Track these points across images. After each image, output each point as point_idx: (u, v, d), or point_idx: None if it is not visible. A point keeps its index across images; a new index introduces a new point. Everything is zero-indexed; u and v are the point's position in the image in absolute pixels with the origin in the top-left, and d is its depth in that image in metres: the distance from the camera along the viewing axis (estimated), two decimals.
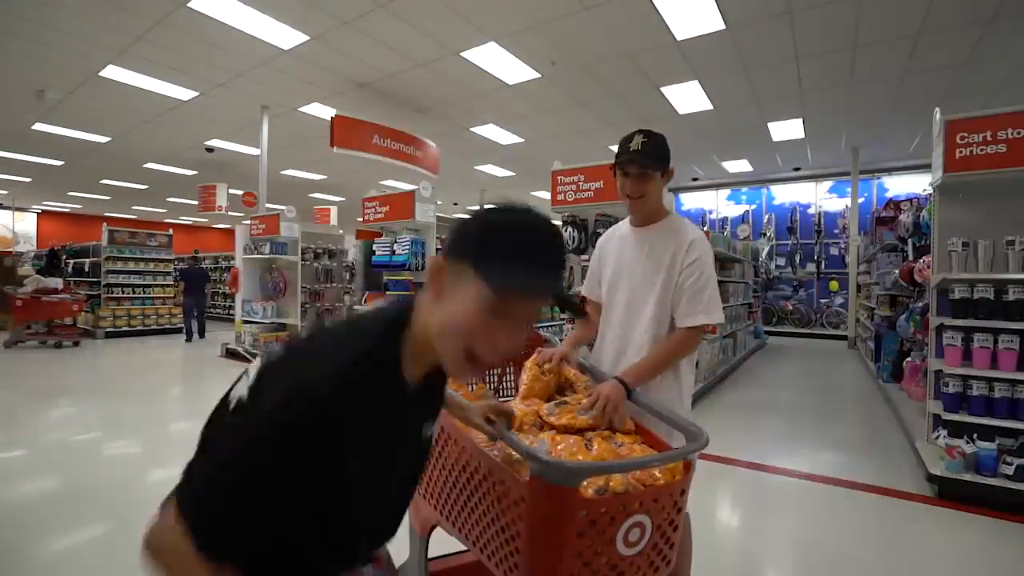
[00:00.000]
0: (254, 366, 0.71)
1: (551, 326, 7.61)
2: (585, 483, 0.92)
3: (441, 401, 0.88)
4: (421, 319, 0.72)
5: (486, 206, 0.74)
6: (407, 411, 0.75)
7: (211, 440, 0.70)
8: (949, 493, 2.95)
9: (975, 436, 3.02)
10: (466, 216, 0.76)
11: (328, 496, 0.66)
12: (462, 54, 5.86)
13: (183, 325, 10.29)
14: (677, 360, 1.57)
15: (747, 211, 12.58)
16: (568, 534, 0.85)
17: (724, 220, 12.86)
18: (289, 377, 0.65)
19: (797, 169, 11.40)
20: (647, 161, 1.54)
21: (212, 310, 14.65)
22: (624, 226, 1.78)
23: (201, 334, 10.19)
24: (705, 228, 6.70)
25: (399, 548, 1.55)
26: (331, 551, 0.72)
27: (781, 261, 11.99)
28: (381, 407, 0.69)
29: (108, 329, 10.05)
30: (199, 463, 0.68)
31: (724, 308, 6.85)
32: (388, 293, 5.88)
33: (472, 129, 8.62)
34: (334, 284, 8.85)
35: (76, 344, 8.91)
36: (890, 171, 10.92)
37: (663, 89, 6.81)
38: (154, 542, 0.64)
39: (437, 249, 5.92)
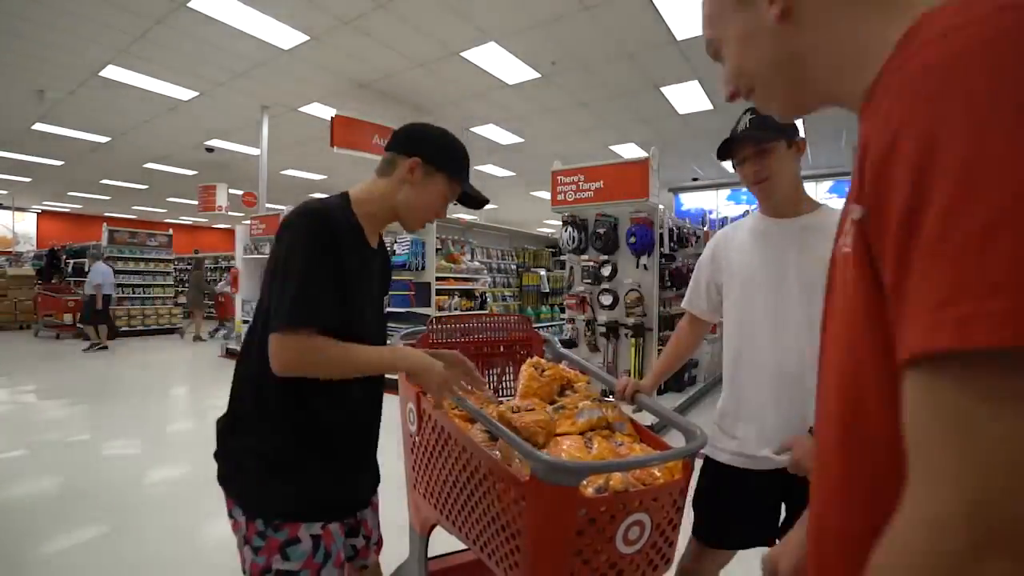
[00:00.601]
0: None
1: (550, 326, 7.62)
2: (585, 482, 0.92)
3: (387, 275, 1.34)
4: (377, 196, 1.17)
5: (423, 127, 1.21)
6: (364, 246, 1.14)
7: (268, 286, 1.02)
8: None
9: None
10: (420, 130, 1.20)
11: (339, 272, 1.01)
12: (462, 54, 5.86)
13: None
14: None
15: (747, 211, 12.55)
16: (568, 532, 0.86)
17: (724, 220, 12.86)
18: (288, 217, 1.05)
19: None
20: (760, 133, 1.28)
21: (212, 310, 14.64)
22: (754, 221, 1.45)
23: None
24: (705, 228, 6.72)
25: (399, 547, 1.56)
26: (353, 327, 1.05)
27: None
28: (345, 228, 1.06)
29: None
30: (269, 301, 1.00)
31: None
32: (388, 293, 5.88)
33: (472, 129, 8.62)
34: None
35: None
36: None
37: (663, 89, 6.81)
38: (275, 362, 0.95)
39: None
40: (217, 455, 1.07)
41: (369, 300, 1.18)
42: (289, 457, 1.02)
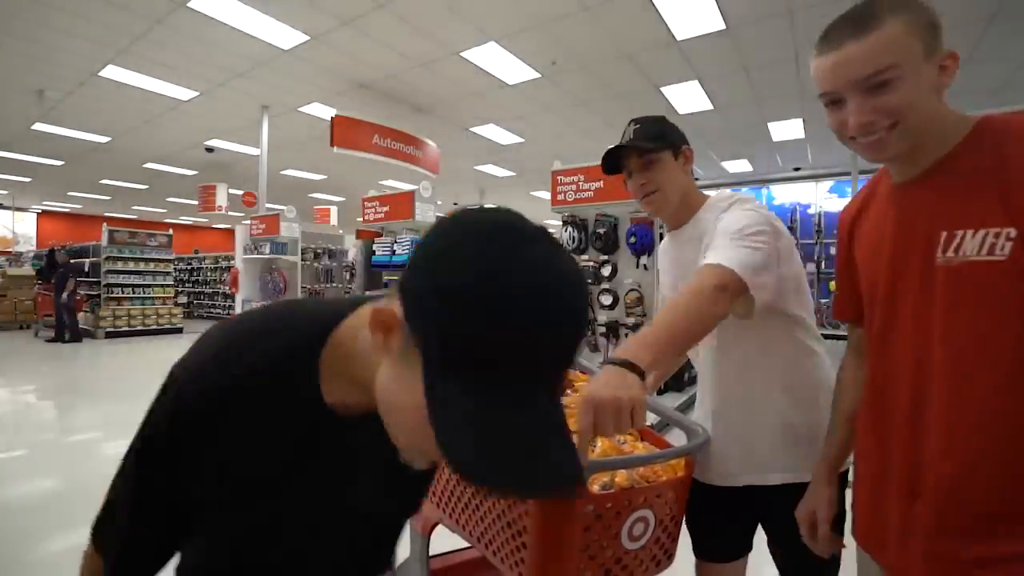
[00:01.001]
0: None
1: None
2: (591, 479, 0.93)
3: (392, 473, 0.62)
4: (361, 352, 0.54)
5: (475, 244, 0.43)
6: (333, 434, 0.59)
7: None
8: None
9: None
10: (444, 242, 0.44)
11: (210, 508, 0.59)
12: (462, 54, 5.87)
13: (55, 325, 9.47)
14: (699, 320, 0.96)
15: None
16: (575, 528, 0.86)
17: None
18: (179, 374, 0.58)
19: (797, 169, 11.42)
20: (645, 143, 1.23)
21: (212, 310, 14.67)
22: (665, 237, 1.43)
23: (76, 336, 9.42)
24: None
25: (400, 546, 1.56)
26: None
27: None
28: (276, 429, 0.57)
29: (108, 329, 10.05)
30: None
31: None
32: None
33: (472, 129, 8.63)
34: (334, 284, 8.86)
35: None
36: None
37: (663, 89, 6.82)
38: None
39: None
40: None
41: (336, 519, 0.64)
42: None
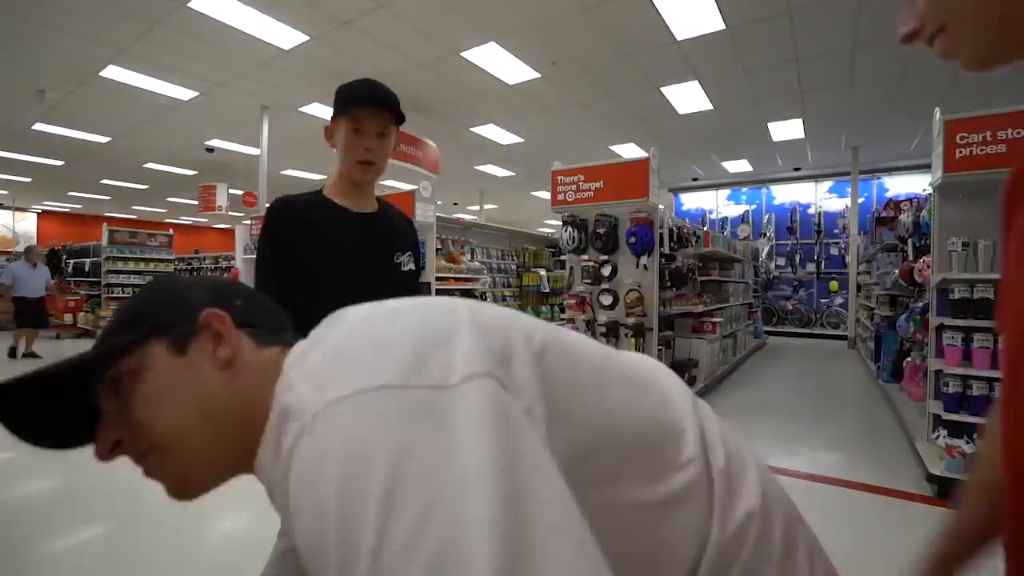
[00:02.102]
0: None
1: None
2: None
3: (399, 234, 1.50)
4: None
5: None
6: (333, 217, 1.36)
7: None
8: (949, 493, 2.95)
9: (975, 436, 3.02)
10: None
11: (293, 255, 1.29)
12: (462, 54, 5.87)
13: None
14: None
15: (747, 211, 12.58)
16: None
17: (724, 220, 12.87)
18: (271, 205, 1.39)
19: (797, 169, 11.41)
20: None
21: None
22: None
23: None
24: (705, 228, 6.72)
25: None
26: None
27: (781, 261, 12.00)
28: (306, 209, 1.35)
29: None
30: None
31: (725, 308, 6.86)
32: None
33: (472, 129, 8.62)
34: None
35: None
36: (890, 171, 10.93)
37: (663, 89, 6.82)
38: None
39: (437, 251, 5.92)
40: None
41: (344, 269, 1.33)
42: None
